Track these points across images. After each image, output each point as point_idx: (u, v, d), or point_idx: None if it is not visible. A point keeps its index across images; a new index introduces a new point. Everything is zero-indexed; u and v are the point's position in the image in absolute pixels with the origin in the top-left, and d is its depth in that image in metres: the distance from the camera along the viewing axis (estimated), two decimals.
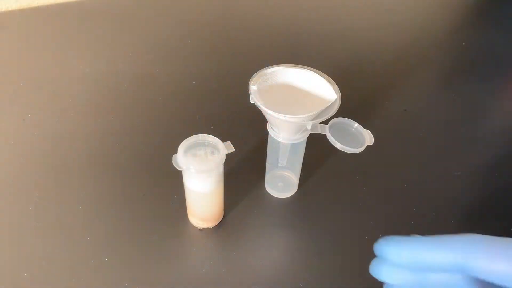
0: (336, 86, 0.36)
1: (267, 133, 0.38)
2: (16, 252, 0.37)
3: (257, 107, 0.34)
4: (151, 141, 0.48)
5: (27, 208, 0.41)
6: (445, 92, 0.59)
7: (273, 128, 0.37)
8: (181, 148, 0.34)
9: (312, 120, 0.34)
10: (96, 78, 0.56)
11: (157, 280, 0.36)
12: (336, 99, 0.35)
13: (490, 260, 0.19)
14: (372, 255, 0.40)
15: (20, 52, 0.60)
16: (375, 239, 0.42)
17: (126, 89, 0.54)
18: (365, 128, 0.37)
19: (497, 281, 0.18)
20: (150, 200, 0.42)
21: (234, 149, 0.34)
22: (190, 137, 0.35)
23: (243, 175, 0.45)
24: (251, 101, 0.35)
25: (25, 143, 0.47)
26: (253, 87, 0.35)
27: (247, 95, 0.35)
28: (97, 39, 0.63)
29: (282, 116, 0.33)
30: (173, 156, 0.34)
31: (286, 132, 0.36)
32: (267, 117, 0.35)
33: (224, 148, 0.34)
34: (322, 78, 0.36)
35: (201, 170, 0.34)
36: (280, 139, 0.37)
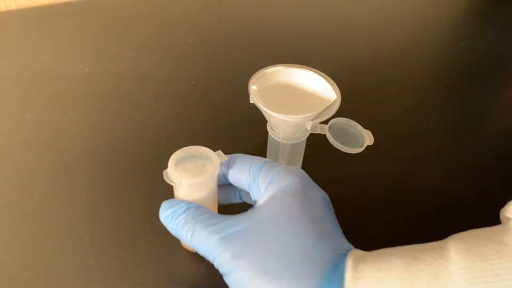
0: (336, 86, 0.36)
1: (267, 133, 0.38)
2: (15, 252, 0.37)
3: (257, 107, 0.34)
4: (151, 141, 0.48)
5: (27, 208, 0.41)
6: (445, 92, 0.59)
7: (273, 128, 0.37)
8: (171, 162, 0.32)
9: (312, 120, 0.34)
10: (96, 78, 0.56)
11: (157, 280, 0.36)
12: (336, 99, 0.35)
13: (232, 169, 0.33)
14: None
15: (20, 52, 0.60)
16: (375, 239, 0.42)
17: (126, 89, 0.54)
18: (365, 128, 0.37)
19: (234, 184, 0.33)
20: (150, 200, 0.42)
21: (226, 158, 0.33)
22: (180, 149, 0.33)
23: None
24: (251, 101, 0.35)
25: (25, 143, 0.47)
26: (253, 87, 0.35)
27: (247, 95, 0.35)
28: (97, 39, 0.63)
29: (282, 116, 0.33)
30: (164, 171, 0.32)
31: (286, 132, 0.36)
32: (267, 117, 0.35)
33: (216, 159, 0.32)
34: (322, 78, 0.36)
35: (193, 184, 0.32)
36: (280, 139, 0.37)
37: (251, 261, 0.26)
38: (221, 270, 0.28)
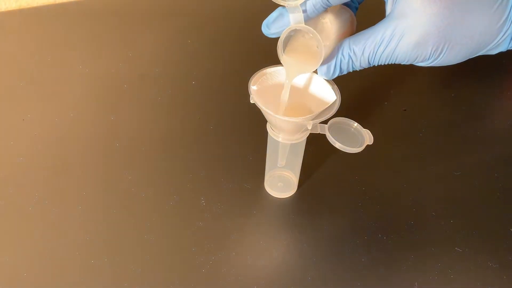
0: (336, 86, 0.36)
1: (267, 133, 0.38)
2: (15, 252, 0.37)
3: (257, 107, 0.34)
4: (151, 141, 0.48)
5: (27, 208, 0.41)
6: (445, 92, 0.59)
7: (272, 128, 0.38)
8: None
9: (312, 120, 0.34)
10: (96, 78, 0.56)
11: (157, 281, 0.36)
12: (336, 99, 0.35)
13: None
14: (371, 256, 0.40)
15: (20, 52, 0.60)
16: (375, 239, 0.42)
17: (126, 89, 0.55)
18: (365, 128, 0.37)
19: None
20: (150, 200, 0.42)
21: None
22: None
23: (243, 175, 0.45)
24: (251, 101, 0.35)
25: (25, 143, 0.47)
26: (253, 87, 0.35)
27: (247, 95, 0.35)
28: (97, 39, 0.63)
29: (282, 116, 0.33)
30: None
31: (285, 132, 0.36)
32: (267, 117, 0.35)
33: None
34: (322, 79, 0.36)
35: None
36: (280, 139, 0.37)
37: None
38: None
